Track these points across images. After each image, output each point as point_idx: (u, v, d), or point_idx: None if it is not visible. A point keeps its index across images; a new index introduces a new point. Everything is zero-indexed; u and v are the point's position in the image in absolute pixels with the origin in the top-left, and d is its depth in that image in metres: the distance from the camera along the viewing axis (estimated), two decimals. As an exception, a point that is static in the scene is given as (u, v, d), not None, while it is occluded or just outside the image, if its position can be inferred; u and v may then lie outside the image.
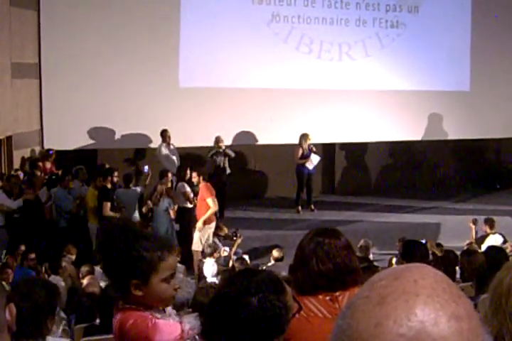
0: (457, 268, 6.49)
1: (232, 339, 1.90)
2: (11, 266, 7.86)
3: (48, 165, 11.26)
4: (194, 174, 10.25)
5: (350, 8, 13.78)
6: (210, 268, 8.78)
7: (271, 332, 1.92)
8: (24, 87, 11.63)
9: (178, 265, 6.24)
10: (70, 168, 10.73)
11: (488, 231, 10.25)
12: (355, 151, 14.96)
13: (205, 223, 9.98)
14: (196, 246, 9.88)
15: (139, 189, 10.40)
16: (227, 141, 12.38)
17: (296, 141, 12.69)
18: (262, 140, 13.37)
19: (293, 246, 2.81)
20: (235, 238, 9.84)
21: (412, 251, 5.35)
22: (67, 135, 11.89)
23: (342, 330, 0.83)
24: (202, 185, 10.12)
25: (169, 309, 2.50)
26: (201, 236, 9.92)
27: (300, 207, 12.79)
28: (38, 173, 10.54)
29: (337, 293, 2.50)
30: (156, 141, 12.19)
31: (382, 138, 14.21)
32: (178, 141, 12.01)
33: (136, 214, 10.17)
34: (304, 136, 12.54)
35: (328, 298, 2.49)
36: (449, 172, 15.56)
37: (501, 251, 6.17)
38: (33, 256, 8.33)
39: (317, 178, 13.51)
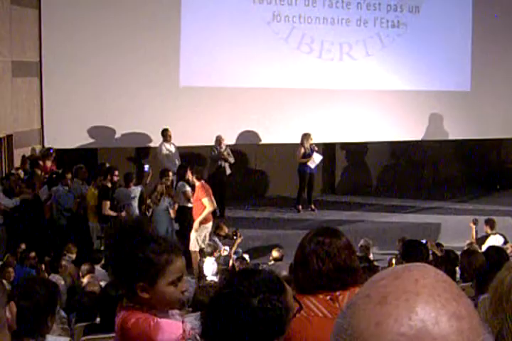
0: (457, 268, 6.49)
1: (232, 339, 1.89)
2: (12, 265, 7.86)
3: (49, 163, 11.26)
4: (189, 173, 10.26)
5: (351, 7, 13.78)
6: (210, 267, 8.79)
7: (271, 333, 1.92)
8: (25, 86, 11.63)
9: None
10: (70, 166, 10.73)
11: (489, 231, 10.26)
12: (356, 151, 14.96)
13: (201, 223, 9.97)
14: (193, 246, 9.87)
15: (139, 188, 10.40)
16: (228, 140, 12.38)
17: (297, 141, 12.68)
18: (263, 139, 13.38)
19: (293, 245, 2.81)
20: (235, 237, 9.84)
21: (412, 251, 5.35)
22: (67, 134, 11.90)
23: (343, 329, 0.83)
24: (198, 184, 10.12)
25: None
26: (197, 237, 9.91)
27: (300, 207, 12.80)
28: (39, 172, 10.54)
29: (337, 293, 2.50)
30: (156, 140, 12.20)
31: (383, 138, 14.22)
32: (178, 140, 12.01)
33: (137, 214, 10.17)
34: (306, 136, 12.54)
35: (328, 297, 2.49)
36: (450, 172, 15.55)
37: (501, 252, 6.17)
38: (33, 254, 8.33)
39: (317, 178, 13.51)
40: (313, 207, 12.91)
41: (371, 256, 9.25)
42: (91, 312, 5.10)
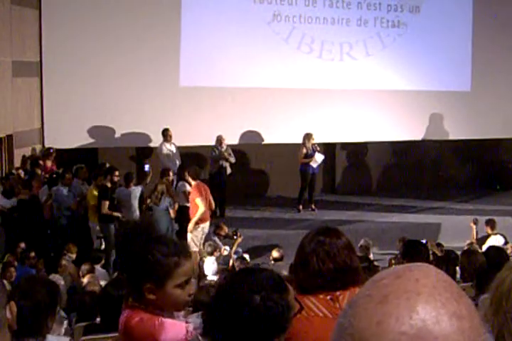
0: (457, 268, 6.49)
1: (233, 336, 1.90)
2: (13, 265, 7.86)
3: (49, 163, 11.26)
4: (185, 173, 10.27)
5: (351, 7, 13.78)
6: (210, 267, 8.80)
7: (273, 330, 1.92)
8: (25, 86, 11.64)
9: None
10: (70, 166, 10.73)
11: (490, 232, 10.26)
12: (356, 151, 14.96)
13: (197, 223, 9.96)
14: (190, 246, 9.87)
15: (139, 188, 10.40)
16: (228, 140, 12.38)
17: (297, 141, 12.70)
18: (263, 139, 13.38)
19: (293, 245, 2.81)
20: (235, 237, 9.85)
21: (412, 251, 5.35)
22: (67, 133, 11.90)
23: (344, 329, 0.83)
24: (193, 184, 10.11)
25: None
26: (193, 237, 9.90)
27: (301, 207, 12.80)
28: (39, 172, 10.54)
29: (338, 293, 2.50)
30: (156, 140, 12.20)
31: (383, 138, 14.22)
32: (179, 140, 12.01)
33: (137, 214, 10.17)
34: (308, 136, 12.56)
35: (328, 297, 2.49)
36: (450, 172, 15.55)
37: (502, 252, 6.17)
38: (33, 254, 8.33)
39: (318, 178, 13.51)
40: (313, 206, 12.91)
41: (371, 256, 9.25)
42: (91, 312, 5.10)
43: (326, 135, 13.38)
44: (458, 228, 11.67)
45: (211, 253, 9.17)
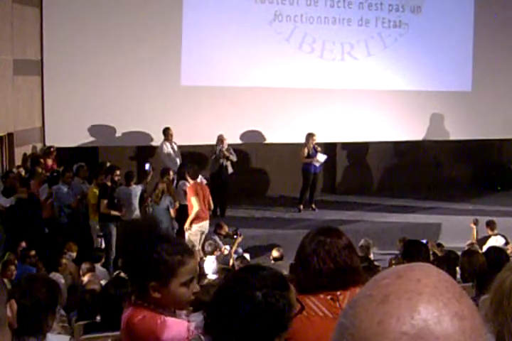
0: (458, 268, 6.49)
1: (235, 333, 1.90)
2: (14, 263, 7.86)
3: (50, 162, 11.27)
4: (185, 172, 10.26)
5: (352, 7, 13.77)
6: (210, 266, 8.80)
7: (274, 328, 1.93)
8: (26, 84, 11.63)
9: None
10: (71, 165, 10.73)
11: (490, 232, 10.27)
12: (357, 151, 14.96)
13: (193, 222, 9.96)
14: None
15: (140, 187, 10.40)
16: (229, 139, 12.38)
17: (298, 140, 12.71)
18: (264, 139, 13.38)
19: (294, 245, 2.82)
20: (235, 237, 9.85)
21: (412, 251, 5.35)
22: (68, 132, 11.90)
23: (345, 328, 0.83)
24: (190, 183, 10.11)
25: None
26: (191, 236, 9.89)
27: (302, 206, 12.80)
28: (39, 170, 10.54)
29: (338, 293, 2.50)
30: (157, 139, 12.20)
31: (384, 138, 14.21)
32: (180, 139, 12.01)
33: (137, 213, 10.17)
34: (310, 136, 12.56)
35: (329, 297, 2.49)
36: (450, 172, 15.54)
37: (502, 252, 6.17)
38: (33, 253, 8.33)
39: (318, 178, 13.51)
40: (314, 206, 12.91)
41: (371, 256, 9.25)
42: (91, 311, 5.10)
43: (326, 135, 13.37)
44: (458, 228, 11.67)
45: (211, 253, 9.17)
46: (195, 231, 9.99)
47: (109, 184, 10.00)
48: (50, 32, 11.81)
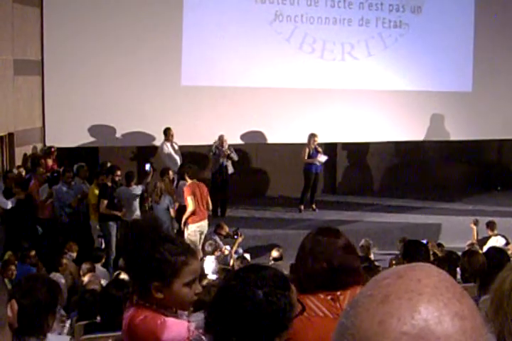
0: (458, 269, 6.49)
1: (236, 332, 1.90)
2: (14, 263, 7.86)
3: (50, 162, 11.27)
4: (184, 172, 10.26)
5: (353, 7, 13.77)
6: (210, 266, 8.80)
7: (275, 327, 1.93)
8: (26, 84, 11.63)
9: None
10: (71, 165, 10.74)
11: (490, 233, 10.27)
12: (357, 151, 14.97)
13: (191, 222, 9.95)
14: None
15: (140, 187, 10.41)
16: (229, 139, 12.38)
17: (298, 140, 12.72)
18: (264, 139, 13.38)
19: (294, 245, 2.82)
20: (235, 237, 9.85)
21: (413, 252, 5.35)
22: (68, 132, 11.90)
23: (345, 328, 0.83)
24: (188, 183, 10.11)
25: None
26: (189, 236, 9.88)
27: (303, 206, 12.80)
28: (40, 170, 10.54)
29: (338, 293, 2.50)
30: (158, 140, 12.20)
31: (384, 138, 14.21)
32: (180, 139, 12.01)
33: (138, 213, 10.18)
34: (312, 136, 12.57)
35: (329, 297, 2.50)
36: (450, 172, 15.54)
37: (502, 252, 6.16)
38: (33, 253, 8.33)
39: (319, 178, 13.51)
40: (314, 206, 12.91)
41: (372, 256, 9.25)
42: (92, 311, 5.10)
43: (327, 135, 13.37)
44: (458, 229, 11.67)
45: (212, 253, 9.17)
46: (193, 232, 9.98)
47: (109, 184, 10.01)
48: (50, 32, 11.81)
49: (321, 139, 12.99)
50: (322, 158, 12.62)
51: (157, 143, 12.22)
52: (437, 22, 14.29)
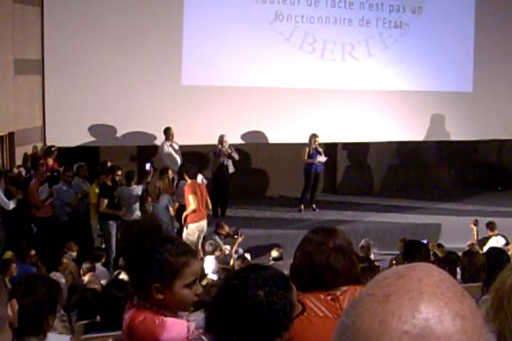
0: (458, 269, 6.48)
1: (236, 332, 1.90)
2: (15, 262, 7.86)
3: (50, 161, 11.27)
4: (184, 171, 10.27)
5: (353, 8, 13.77)
6: (210, 265, 8.80)
7: (275, 327, 1.93)
8: (27, 84, 11.64)
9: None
10: (71, 164, 10.74)
11: (490, 233, 10.27)
12: (358, 151, 14.97)
13: (191, 221, 9.95)
14: None
15: (140, 187, 10.41)
16: (230, 139, 12.38)
17: (298, 140, 12.73)
18: (264, 139, 13.38)
19: (294, 245, 2.82)
20: (236, 236, 9.85)
21: (413, 252, 5.35)
22: (69, 132, 11.90)
23: (346, 328, 0.83)
24: (188, 182, 10.12)
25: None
26: (188, 236, 9.87)
27: (303, 206, 12.81)
28: (40, 170, 10.54)
29: (338, 293, 2.50)
30: (158, 139, 12.20)
31: (384, 138, 14.21)
32: (180, 139, 12.01)
33: (138, 213, 10.18)
34: (313, 136, 12.57)
35: (329, 297, 2.50)
36: (451, 173, 15.55)
37: (502, 253, 6.16)
38: (33, 252, 8.33)
39: (320, 178, 13.51)
40: (314, 206, 12.91)
41: (372, 256, 9.25)
42: (92, 310, 5.11)
43: (327, 135, 13.37)
44: (458, 229, 11.67)
45: (212, 253, 9.17)
46: (192, 231, 9.98)
47: (109, 183, 10.01)
48: (51, 31, 11.80)
49: (322, 139, 12.99)
50: (322, 159, 12.63)
51: (157, 142, 12.23)
52: (438, 22, 14.29)
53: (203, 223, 10.17)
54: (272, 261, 8.95)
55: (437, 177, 15.47)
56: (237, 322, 1.90)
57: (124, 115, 12.17)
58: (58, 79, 11.84)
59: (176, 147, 11.96)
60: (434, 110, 14.52)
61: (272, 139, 13.39)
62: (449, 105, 14.51)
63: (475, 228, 10.59)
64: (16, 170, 10.59)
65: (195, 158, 12.61)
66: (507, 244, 9.89)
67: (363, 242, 9.36)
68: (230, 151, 12.11)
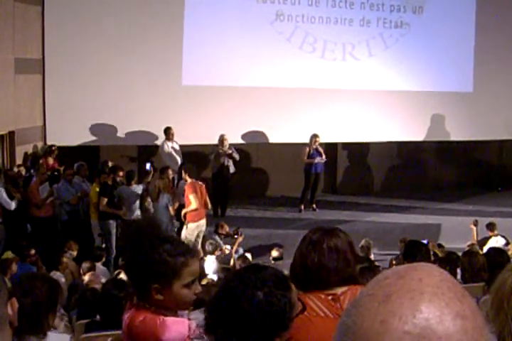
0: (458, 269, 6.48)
1: (236, 332, 1.90)
2: (15, 261, 7.86)
3: (51, 161, 11.27)
4: (183, 171, 10.27)
5: (354, 7, 13.76)
6: (210, 265, 8.80)
7: (275, 327, 1.93)
8: (27, 83, 11.64)
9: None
10: (71, 164, 10.74)
11: (490, 233, 10.27)
12: (358, 151, 14.96)
13: (191, 221, 9.95)
14: None
15: (140, 186, 10.41)
16: (230, 139, 12.38)
17: (298, 140, 12.73)
18: (264, 139, 13.38)
19: (294, 245, 2.82)
20: (236, 236, 9.85)
21: (414, 252, 5.36)
22: (69, 131, 11.90)
23: (347, 328, 0.83)
24: (188, 182, 10.12)
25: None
26: (187, 235, 9.87)
27: (303, 206, 12.81)
28: (41, 169, 10.54)
29: (339, 293, 2.50)
30: (159, 139, 12.20)
31: (385, 138, 14.21)
32: (181, 138, 12.01)
33: (138, 212, 10.18)
34: (314, 136, 12.57)
35: (330, 297, 2.50)
36: (451, 173, 15.54)
37: (502, 253, 6.17)
38: (33, 252, 8.33)
39: (320, 178, 13.51)
40: (314, 206, 12.91)
41: (372, 257, 9.24)
42: (92, 310, 5.11)
43: (327, 135, 13.37)
44: (458, 229, 11.66)
45: (212, 252, 9.17)
46: (192, 231, 9.98)
47: (110, 183, 10.01)
48: (51, 31, 11.80)
49: (322, 139, 12.99)
50: (321, 160, 12.63)
51: (158, 142, 12.23)
52: (438, 22, 14.29)
53: (203, 222, 10.18)
54: (272, 261, 8.96)
55: (437, 177, 15.46)
56: (237, 322, 1.89)
57: (124, 115, 12.17)
58: (58, 79, 11.84)
59: (177, 147, 11.96)
60: (434, 110, 14.52)
61: (273, 139, 13.39)
62: (450, 105, 14.50)
63: (475, 228, 10.58)
64: (16, 169, 10.58)
65: (196, 157, 12.61)
66: (507, 244, 9.89)
67: (363, 242, 9.36)
68: (230, 151, 12.11)
